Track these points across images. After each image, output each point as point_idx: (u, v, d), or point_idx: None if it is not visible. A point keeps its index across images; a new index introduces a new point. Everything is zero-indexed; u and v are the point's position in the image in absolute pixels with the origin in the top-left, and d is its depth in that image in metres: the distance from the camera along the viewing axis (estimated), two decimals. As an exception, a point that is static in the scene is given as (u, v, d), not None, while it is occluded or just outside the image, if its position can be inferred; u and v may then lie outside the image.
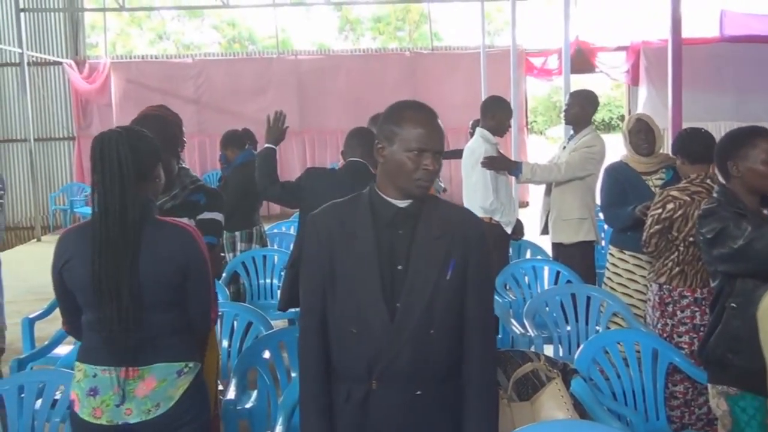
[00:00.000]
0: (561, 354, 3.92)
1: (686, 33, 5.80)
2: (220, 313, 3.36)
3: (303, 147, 13.20)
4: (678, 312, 3.43)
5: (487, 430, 2.05)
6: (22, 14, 12.03)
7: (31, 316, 4.33)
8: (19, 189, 12.93)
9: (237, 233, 5.67)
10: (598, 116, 28.40)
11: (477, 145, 4.82)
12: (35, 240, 12.05)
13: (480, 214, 4.79)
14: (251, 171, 5.72)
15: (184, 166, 2.91)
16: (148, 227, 2.20)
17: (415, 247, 1.98)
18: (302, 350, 2.08)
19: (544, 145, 26.71)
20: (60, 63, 13.17)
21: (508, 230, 4.79)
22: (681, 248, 3.42)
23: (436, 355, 1.99)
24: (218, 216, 2.85)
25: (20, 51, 11.88)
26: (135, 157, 2.17)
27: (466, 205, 5.03)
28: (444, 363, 2.02)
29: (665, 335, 3.44)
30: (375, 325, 1.96)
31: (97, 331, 2.19)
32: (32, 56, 12.54)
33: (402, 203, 2.01)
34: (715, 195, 2.75)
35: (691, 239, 3.35)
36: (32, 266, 8.69)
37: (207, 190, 2.89)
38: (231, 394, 3.12)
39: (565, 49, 7.33)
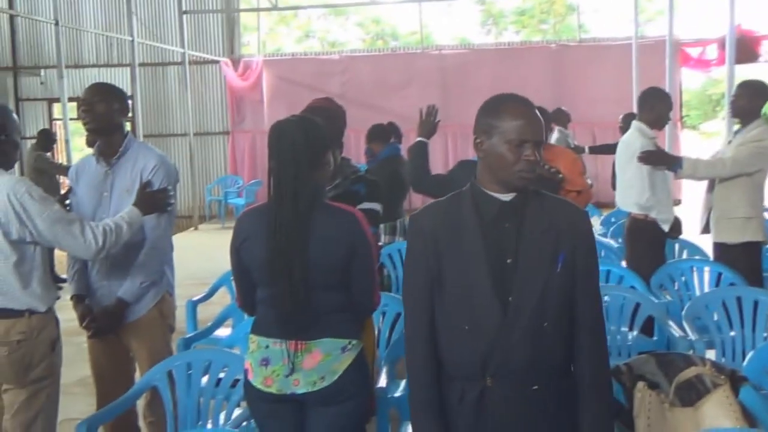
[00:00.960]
0: (724, 360, 3.69)
1: None
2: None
3: (447, 141, 13.23)
4: None
5: (604, 427, 2.02)
6: (184, 16, 12.83)
7: (194, 299, 4.63)
8: (180, 181, 13.79)
9: (381, 225, 5.75)
10: (759, 109, 26.45)
11: (633, 139, 4.63)
12: (193, 229, 12.85)
13: (635, 210, 4.61)
14: (396, 164, 5.83)
15: (345, 156, 3.00)
16: (318, 211, 2.31)
17: (523, 240, 1.96)
18: (411, 351, 2.07)
19: (698, 140, 25.27)
20: (217, 61, 13.92)
21: (665, 228, 4.57)
22: None
23: (551, 348, 1.97)
24: (377, 206, 2.95)
25: (182, 51, 12.67)
26: (308, 144, 2.30)
27: (619, 201, 4.86)
28: (559, 357, 2.00)
29: None
30: (488, 321, 1.94)
31: (270, 306, 2.33)
32: (192, 55, 13.33)
33: (506, 197, 1.98)
34: None
35: None
36: (191, 253, 9.26)
37: (367, 181, 3.00)
38: (382, 381, 3.18)
39: (730, 38, 6.89)
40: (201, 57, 13.75)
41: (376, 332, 3.78)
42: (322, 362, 2.32)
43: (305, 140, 2.29)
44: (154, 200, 3.06)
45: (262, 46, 15.96)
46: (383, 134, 6.29)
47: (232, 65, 13.98)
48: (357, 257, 2.35)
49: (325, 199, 2.42)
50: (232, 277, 2.56)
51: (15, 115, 2.96)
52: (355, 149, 13.35)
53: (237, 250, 2.41)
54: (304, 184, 2.28)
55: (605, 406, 2.05)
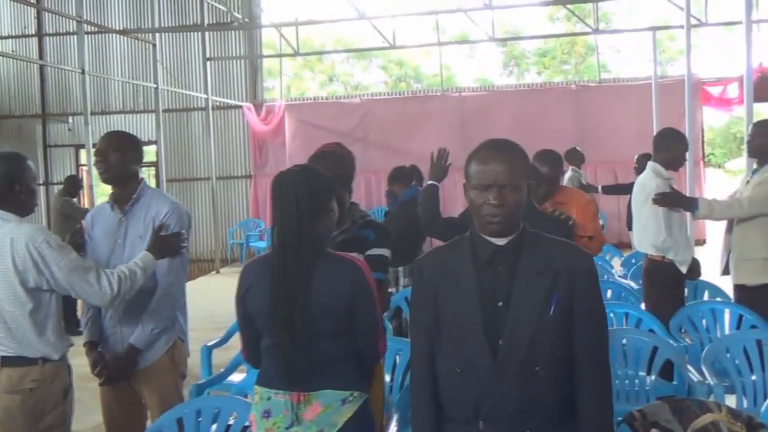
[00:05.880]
0: (745, 405, 3.60)
1: None
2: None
3: (467, 183, 13.22)
4: None
5: None
6: (208, 63, 13.11)
7: (209, 344, 4.63)
8: (202, 224, 13.93)
9: (400, 268, 5.74)
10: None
11: (648, 180, 4.60)
12: (215, 272, 12.93)
13: (651, 251, 4.56)
14: (416, 207, 5.84)
15: (353, 201, 3.01)
16: (321, 260, 2.33)
17: (516, 283, 1.95)
18: (414, 393, 2.10)
19: (722, 178, 25.05)
20: (240, 106, 14.15)
21: (683, 269, 4.51)
22: None
23: (545, 393, 1.94)
24: (386, 252, 2.93)
25: (206, 96, 12.91)
26: (311, 194, 2.33)
27: (636, 242, 4.82)
28: (554, 401, 1.95)
29: None
30: (478, 364, 1.94)
31: (273, 356, 2.34)
32: (216, 101, 13.58)
33: (500, 241, 1.98)
34: None
35: None
36: (212, 296, 9.28)
37: (376, 226, 2.98)
38: (393, 429, 3.14)
39: (747, 77, 6.86)
40: (224, 102, 13.99)
41: (389, 378, 3.76)
42: (321, 414, 2.31)
43: (308, 190, 2.32)
44: (167, 244, 3.08)
45: (285, 91, 16.22)
46: (404, 177, 6.34)
47: (254, 110, 14.20)
48: (359, 307, 2.35)
49: (329, 247, 2.44)
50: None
51: (29, 162, 3.00)
52: (376, 190, 13.44)
53: (241, 300, 2.43)
54: (307, 234, 2.31)
55: None
